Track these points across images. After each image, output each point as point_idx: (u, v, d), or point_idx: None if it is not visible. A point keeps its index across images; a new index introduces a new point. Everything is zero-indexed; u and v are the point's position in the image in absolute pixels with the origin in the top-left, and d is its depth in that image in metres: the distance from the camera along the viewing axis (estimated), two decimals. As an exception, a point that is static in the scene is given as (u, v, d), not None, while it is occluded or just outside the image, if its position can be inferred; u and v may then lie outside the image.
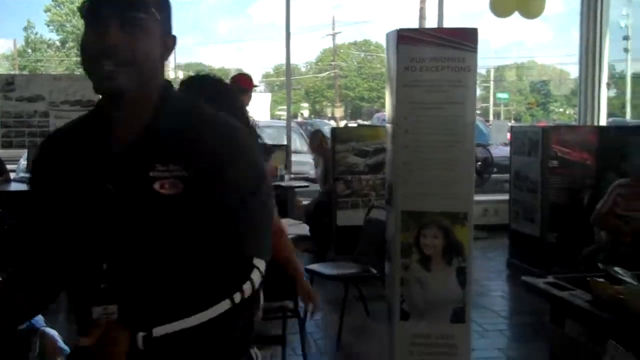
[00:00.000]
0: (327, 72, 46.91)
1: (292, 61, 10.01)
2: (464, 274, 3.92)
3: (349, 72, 47.95)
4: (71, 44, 42.67)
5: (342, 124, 30.58)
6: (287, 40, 9.47)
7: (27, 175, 8.16)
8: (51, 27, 43.54)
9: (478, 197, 6.03)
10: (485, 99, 41.59)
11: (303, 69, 49.60)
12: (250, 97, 6.98)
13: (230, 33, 61.57)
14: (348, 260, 5.51)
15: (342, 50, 47.65)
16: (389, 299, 4.13)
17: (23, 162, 9.09)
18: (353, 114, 45.20)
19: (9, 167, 8.62)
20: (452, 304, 3.93)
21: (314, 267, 5.22)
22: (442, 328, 3.94)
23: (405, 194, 3.95)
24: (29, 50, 43.56)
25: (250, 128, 2.49)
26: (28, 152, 8.78)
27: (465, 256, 3.92)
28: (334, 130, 8.55)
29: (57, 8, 42.55)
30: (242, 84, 6.75)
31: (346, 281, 5.23)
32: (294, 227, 5.23)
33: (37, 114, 8.66)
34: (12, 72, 28.03)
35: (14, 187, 7.90)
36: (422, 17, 21.83)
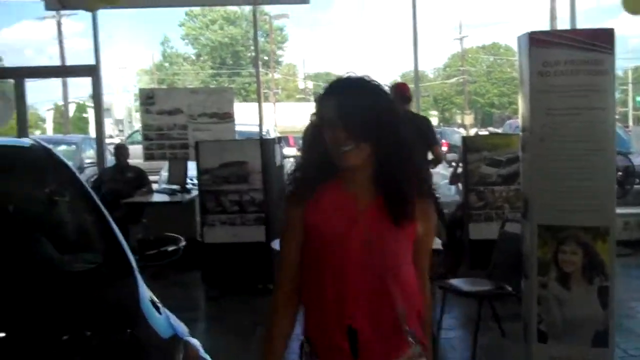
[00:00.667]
0: (455, 78, 46.34)
1: (419, 67, 9.89)
2: (607, 294, 3.70)
3: (478, 77, 47.10)
4: (205, 57, 44.42)
5: (472, 131, 30.05)
6: (415, 46, 9.38)
7: (168, 186, 8.58)
8: (186, 41, 45.52)
9: (619, 210, 5.68)
10: (624, 103, 39.58)
11: (431, 75, 49.25)
12: (410, 106, 6.99)
13: (357, 40, 62.03)
14: (482, 276, 5.33)
15: (470, 55, 46.93)
16: (525, 318, 3.96)
17: (164, 174, 9.52)
18: (483, 121, 44.34)
19: (150, 178, 9.09)
20: (594, 325, 3.71)
21: (447, 282, 5.09)
22: (582, 351, 3.74)
23: (542, 206, 3.79)
24: (166, 64, 45.72)
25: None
26: (169, 164, 9.21)
27: (607, 274, 3.70)
28: (464, 139, 8.35)
29: (191, 22, 44.40)
30: (407, 92, 6.79)
31: (480, 298, 5.06)
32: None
33: (176, 127, 8.94)
34: (152, 86, 29.43)
35: (156, 197, 8.33)
36: (553, 17, 21.03)
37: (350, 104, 1.98)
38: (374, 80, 2.06)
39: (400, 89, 6.61)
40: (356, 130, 1.96)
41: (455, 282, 5.32)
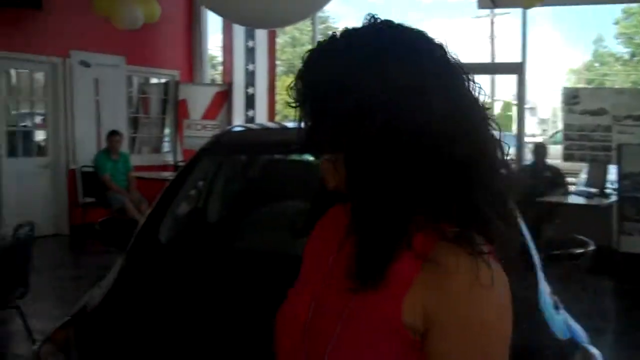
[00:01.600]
0: None
1: None
2: None
3: None
4: (638, 57, 39.58)
5: None
6: None
7: (586, 189, 8.20)
8: (619, 40, 40.81)
9: None
10: None
11: None
12: None
13: None
14: None
15: None
16: None
17: (583, 176, 9.08)
18: None
19: (569, 179, 8.81)
20: None
21: None
22: None
23: None
24: (596, 64, 42.74)
25: None
26: (589, 166, 8.83)
27: None
28: None
29: (627, 20, 39.79)
30: None
31: None
32: None
33: (599, 127, 8.57)
34: (578, 86, 26.03)
35: (572, 199, 8.05)
36: None
37: (314, 80, 1.04)
38: (389, 27, 1.05)
39: None
40: (319, 128, 1.05)
41: None
